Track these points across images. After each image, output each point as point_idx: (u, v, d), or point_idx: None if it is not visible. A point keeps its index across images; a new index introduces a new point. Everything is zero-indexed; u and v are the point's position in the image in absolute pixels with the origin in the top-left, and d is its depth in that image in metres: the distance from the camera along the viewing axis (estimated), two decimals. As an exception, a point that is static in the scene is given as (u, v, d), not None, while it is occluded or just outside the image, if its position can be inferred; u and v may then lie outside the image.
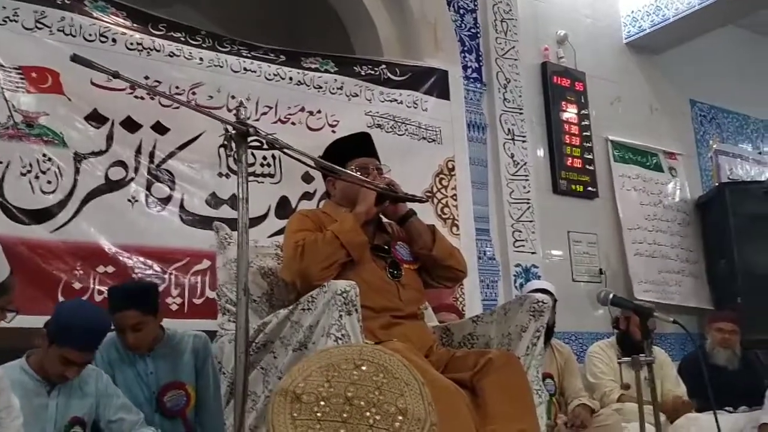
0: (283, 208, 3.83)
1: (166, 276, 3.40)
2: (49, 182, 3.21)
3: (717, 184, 6.03)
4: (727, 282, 5.48)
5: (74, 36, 3.38)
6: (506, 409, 2.10)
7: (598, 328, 4.88)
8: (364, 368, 1.04)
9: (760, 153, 6.78)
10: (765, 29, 6.79)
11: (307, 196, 3.93)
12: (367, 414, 0.99)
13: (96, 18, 3.48)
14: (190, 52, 3.73)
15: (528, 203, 4.81)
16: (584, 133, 5.33)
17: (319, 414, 0.99)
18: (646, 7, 5.73)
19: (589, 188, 5.28)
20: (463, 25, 4.89)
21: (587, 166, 5.30)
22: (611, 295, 2.68)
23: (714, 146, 6.36)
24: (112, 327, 2.52)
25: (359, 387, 1.02)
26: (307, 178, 3.90)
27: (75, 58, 1.72)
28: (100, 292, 3.16)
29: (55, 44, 3.31)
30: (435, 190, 4.43)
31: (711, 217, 5.77)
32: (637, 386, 2.61)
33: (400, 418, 0.99)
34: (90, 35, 3.42)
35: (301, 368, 1.06)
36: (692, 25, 5.59)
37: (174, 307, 3.38)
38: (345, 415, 0.98)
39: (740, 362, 4.07)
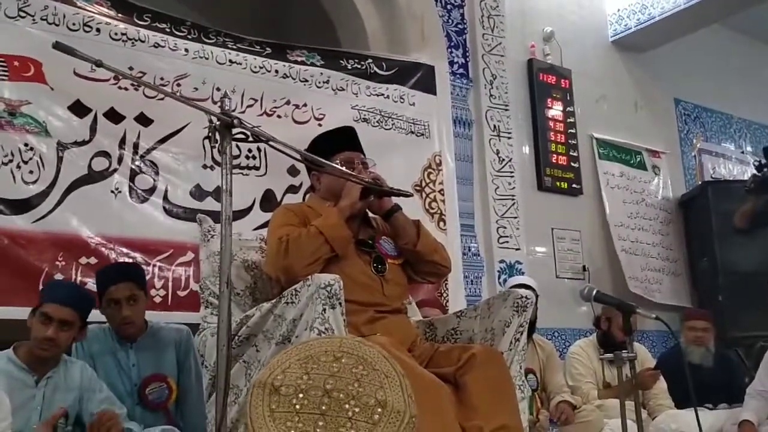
0: (269, 201, 3.81)
1: (150, 268, 3.36)
2: (30, 172, 3.18)
3: (700, 182, 6.07)
4: (709, 280, 5.53)
5: (57, 25, 3.33)
6: (489, 404, 2.11)
7: (581, 325, 4.90)
8: (343, 360, 1.03)
9: (742, 152, 6.83)
10: (749, 29, 6.84)
11: (292, 189, 3.91)
12: (346, 406, 0.98)
13: (80, 7, 3.44)
14: (175, 43, 3.70)
15: (513, 199, 4.83)
16: (569, 131, 5.35)
17: (297, 406, 0.98)
18: (632, 6, 5.76)
19: (574, 185, 5.30)
20: (450, 20, 4.89)
21: (572, 164, 5.32)
22: (594, 292, 2.69)
23: (697, 145, 6.41)
24: (99, 309, 2.53)
25: (338, 379, 1.01)
26: (293, 171, 3.88)
27: (57, 46, 1.70)
28: (83, 284, 3.13)
29: (37, 33, 3.26)
30: (423, 184, 4.43)
31: (693, 216, 5.82)
32: (619, 382, 2.63)
33: (380, 410, 0.98)
34: (74, 24, 3.38)
35: (279, 360, 1.05)
36: (677, 25, 5.63)
37: (158, 300, 3.34)
38: (324, 408, 0.97)
39: (715, 360, 4.10)
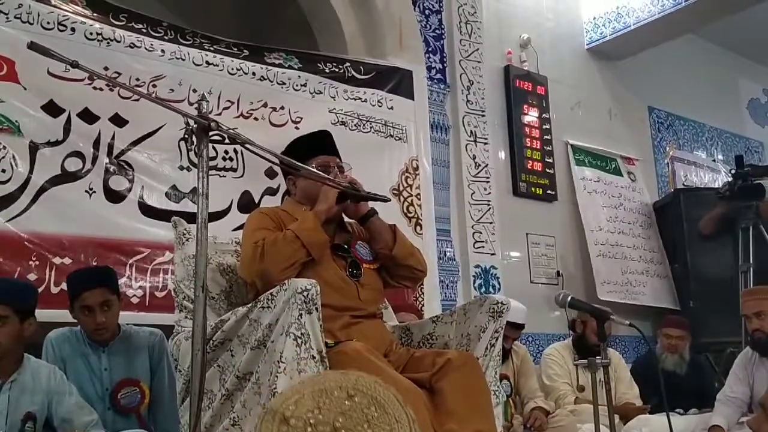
0: (246, 202, 3.80)
1: (126, 269, 3.34)
2: (3, 171, 3.14)
3: (673, 189, 6.15)
4: (681, 286, 5.59)
5: (32, 24, 3.30)
6: (464, 410, 2.11)
7: (555, 330, 4.93)
8: (356, 399, 1.02)
9: (714, 161, 6.93)
10: (722, 39, 6.95)
11: (270, 191, 3.90)
12: (353, 446, 0.97)
13: (54, 6, 3.41)
14: (152, 44, 3.67)
15: (488, 205, 4.85)
16: (545, 137, 5.39)
17: (305, 439, 0.97)
18: (607, 14, 5.82)
19: (549, 191, 5.34)
20: (428, 25, 4.91)
21: (547, 169, 5.35)
22: (569, 298, 2.71)
23: (670, 153, 6.49)
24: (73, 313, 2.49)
25: (349, 418, 1.00)
26: (271, 174, 3.86)
27: (32, 46, 1.68)
28: (57, 284, 3.09)
29: (11, 32, 3.23)
30: (401, 188, 4.44)
31: (666, 223, 5.88)
32: (593, 388, 2.64)
33: (386, 454, 0.98)
34: (48, 23, 3.35)
35: (294, 390, 1.04)
36: (652, 34, 5.70)
37: (134, 301, 3.33)
38: (331, 445, 0.97)
39: (689, 366, 4.16)
